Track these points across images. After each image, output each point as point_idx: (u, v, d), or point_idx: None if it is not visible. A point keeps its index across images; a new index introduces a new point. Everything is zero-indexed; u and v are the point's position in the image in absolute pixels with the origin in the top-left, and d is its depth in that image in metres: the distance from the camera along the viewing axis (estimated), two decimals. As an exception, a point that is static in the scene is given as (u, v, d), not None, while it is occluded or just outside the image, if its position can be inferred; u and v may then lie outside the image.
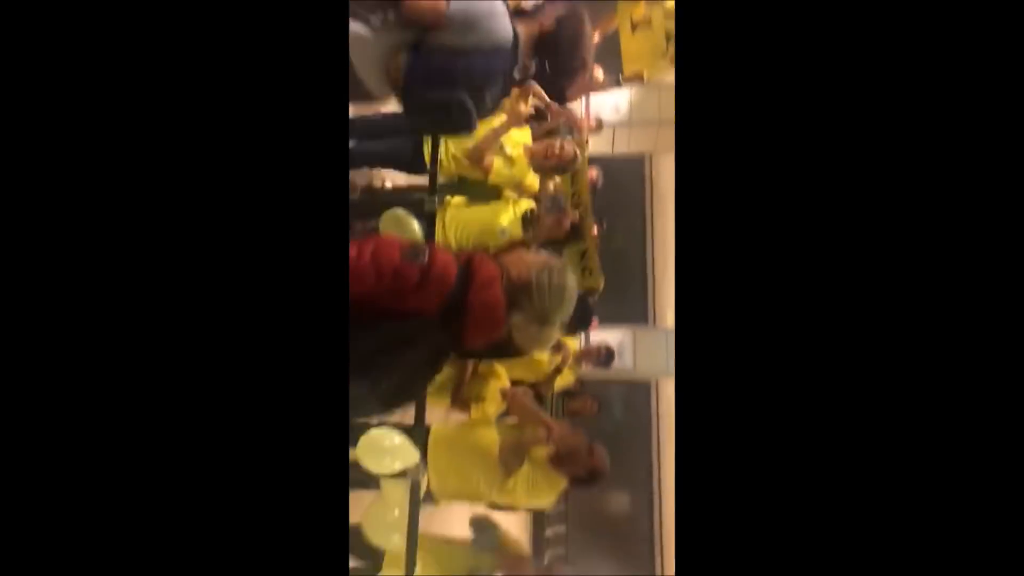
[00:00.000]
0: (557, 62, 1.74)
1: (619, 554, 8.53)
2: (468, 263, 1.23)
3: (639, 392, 9.03)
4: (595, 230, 2.98)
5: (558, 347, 2.87)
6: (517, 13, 2.10)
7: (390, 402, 1.26)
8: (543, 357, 2.69)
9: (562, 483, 1.99)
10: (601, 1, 3.03)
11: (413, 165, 2.43)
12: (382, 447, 1.61)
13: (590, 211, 2.93)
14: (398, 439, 1.67)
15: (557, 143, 2.51)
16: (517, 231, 2.28)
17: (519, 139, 2.56)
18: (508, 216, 2.29)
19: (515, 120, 2.33)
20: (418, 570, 1.62)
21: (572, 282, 1.32)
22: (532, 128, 2.62)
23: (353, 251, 1.15)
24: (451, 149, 2.39)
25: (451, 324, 1.20)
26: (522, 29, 1.71)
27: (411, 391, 1.32)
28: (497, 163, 2.41)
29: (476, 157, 2.34)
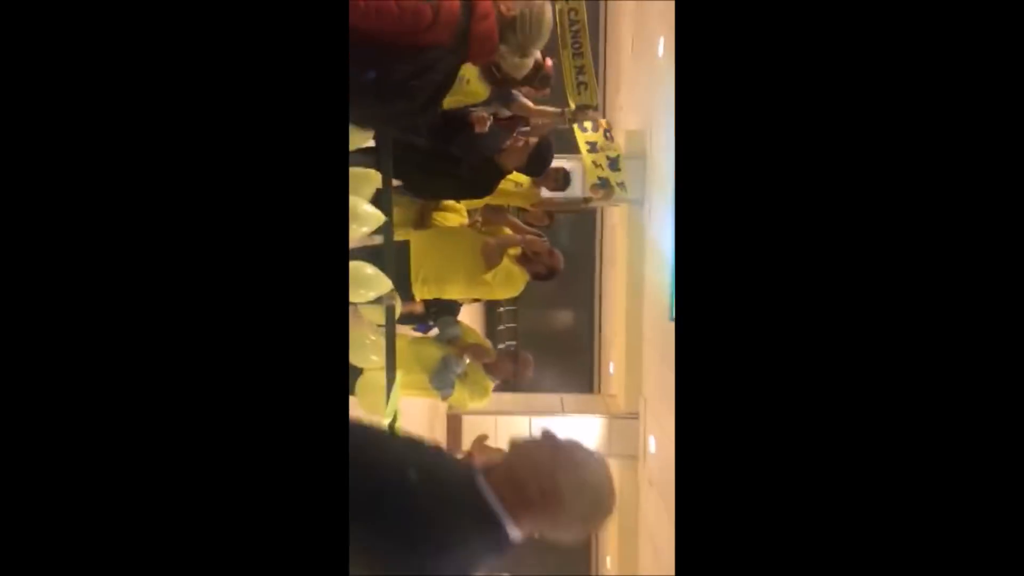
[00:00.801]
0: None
1: (563, 363, 9.56)
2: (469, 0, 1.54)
3: (586, 220, 9.36)
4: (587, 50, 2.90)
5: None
6: None
7: (421, 110, 1.65)
8: (507, 187, 2.77)
9: (526, 277, 2.35)
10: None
11: None
12: (356, 278, 1.73)
13: (586, 29, 2.83)
14: (370, 270, 1.78)
15: None
16: (475, 79, 2.14)
17: None
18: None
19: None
20: (398, 372, 1.90)
21: (548, 19, 1.69)
22: None
23: None
24: None
25: (459, 50, 1.58)
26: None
27: (434, 106, 1.73)
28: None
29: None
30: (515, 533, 1.02)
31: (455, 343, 2.33)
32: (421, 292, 2.27)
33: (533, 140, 2.32)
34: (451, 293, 2.36)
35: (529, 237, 2.29)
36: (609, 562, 8.37)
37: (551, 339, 9.86)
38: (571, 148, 4.04)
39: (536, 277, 2.33)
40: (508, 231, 2.43)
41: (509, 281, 2.28)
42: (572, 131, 3.73)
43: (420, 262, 2.23)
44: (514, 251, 2.32)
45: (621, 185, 3.98)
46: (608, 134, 4.02)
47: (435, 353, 2.27)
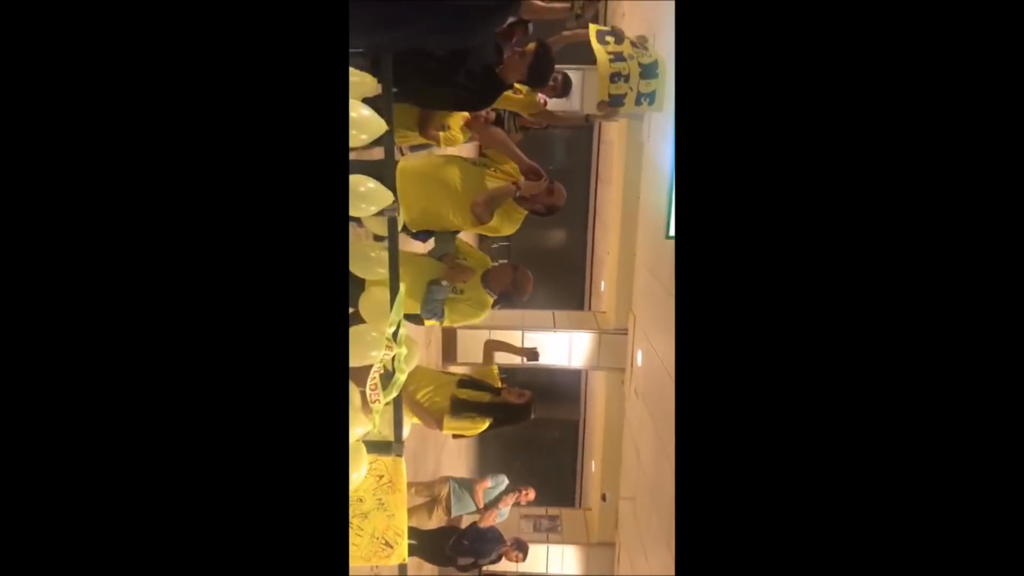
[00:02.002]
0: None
1: (556, 281, 9.67)
2: None
3: (582, 135, 9.13)
4: None
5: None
6: None
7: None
8: (506, 92, 2.67)
9: (523, 215, 2.26)
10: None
11: None
12: (356, 193, 1.71)
13: None
14: (372, 184, 1.76)
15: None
16: None
17: None
18: None
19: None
20: (402, 285, 1.92)
21: None
22: None
23: None
24: None
25: None
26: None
27: None
28: None
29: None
30: None
31: (444, 261, 2.26)
32: (412, 223, 2.22)
33: (530, 47, 2.15)
34: (444, 228, 2.30)
35: (526, 183, 2.16)
36: (593, 466, 8.92)
37: (544, 257, 9.91)
38: (583, 59, 3.79)
39: (535, 214, 2.25)
40: (504, 168, 2.26)
41: (506, 221, 2.21)
42: (590, 45, 3.49)
43: (409, 200, 2.15)
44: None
45: (649, 97, 3.56)
46: (640, 41, 3.70)
47: (425, 273, 2.22)
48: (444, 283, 2.22)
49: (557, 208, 2.23)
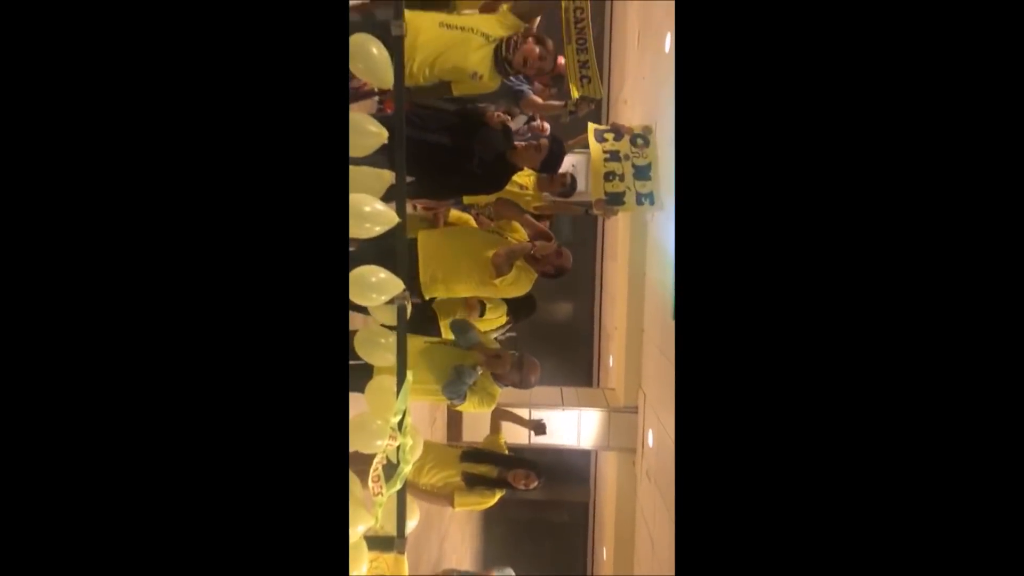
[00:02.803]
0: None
1: (563, 355, 9.60)
2: None
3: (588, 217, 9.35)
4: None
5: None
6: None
7: None
8: (512, 189, 2.79)
9: (534, 276, 2.38)
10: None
11: None
12: (368, 283, 1.74)
13: (590, 26, 2.83)
14: (383, 274, 1.80)
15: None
16: (488, 73, 2.13)
17: None
18: (480, 56, 2.08)
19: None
20: (409, 373, 1.91)
21: None
22: None
23: None
24: None
25: None
26: None
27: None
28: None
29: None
30: None
31: (474, 349, 2.31)
32: (429, 291, 2.29)
33: (544, 141, 2.31)
34: (459, 293, 2.39)
35: (539, 243, 2.30)
36: (605, 553, 8.47)
37: (552, 331, 9.89)
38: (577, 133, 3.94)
39: (544, 275, 2.36)
40: (518, 227, 2.44)
41: (517, 282, 2.31)
42: (587, 137, 3.65)
43: (428, 262, 2.24)
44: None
45: (649, 197, 3.62)
46: (639, 138, 3.82)
47: (449, 359, 2.27)
48: (478, 368, 2.25)
49: (565, 270, 2.35)
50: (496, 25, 2.15)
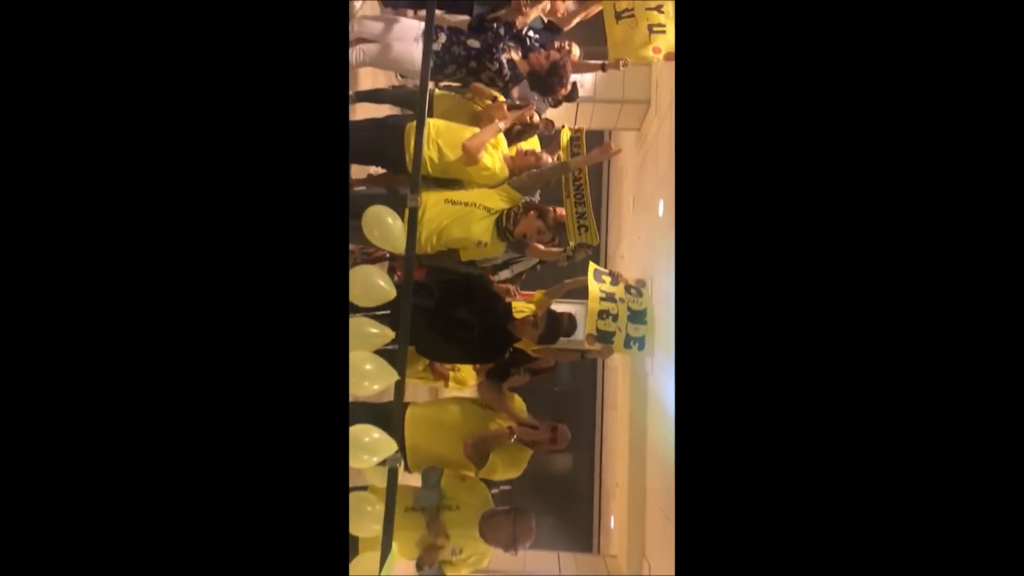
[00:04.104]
0: (545, 89, 2.64)
1: (561, 513, 8.98)
2: None
3: (586, 363, 9.35)
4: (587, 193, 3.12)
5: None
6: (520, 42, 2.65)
7: None
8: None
9: (527, 455, 2.26)
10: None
11: (395, 162, 2.41)
12: (361, 444, 1.69)
13: (588, 182, 3.07)
14: (376, 433, 1.74)
15: (537, 154, 2.59)
16: (492, 241, 2.24)
17: (503, 143, 2.59)
18: (482, 227, 2.23)
19: (510, 121, 2.53)
20: (394, 546, 1.75)
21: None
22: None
23: None
24: (438, 141, 2.39)
25: None
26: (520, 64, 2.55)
27: None
28: (485, 159, 2.42)
29: (471, 153, 2.36)
30: None
31: (426, 514, 2.07)
32: (415, 466, 2.18)
33: (542, 317, 2.33)
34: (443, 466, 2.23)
35: (520, 429, 2.19)
36: None
37: (548, 486, 9.36)
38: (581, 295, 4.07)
39: (540, 452, 2.29)
40: (499, 420, 2.30)
41: (511, 463, 2.23)
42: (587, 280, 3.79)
43: (415, 438, 2.17)
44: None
45: (639, 341, 3.66)
46: (633, 289, 3.95)
47: (415, 533, 2.08)
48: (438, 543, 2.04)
49: (559, 449, 2.25)
50: (497, 199, 2.32)
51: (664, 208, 5.32)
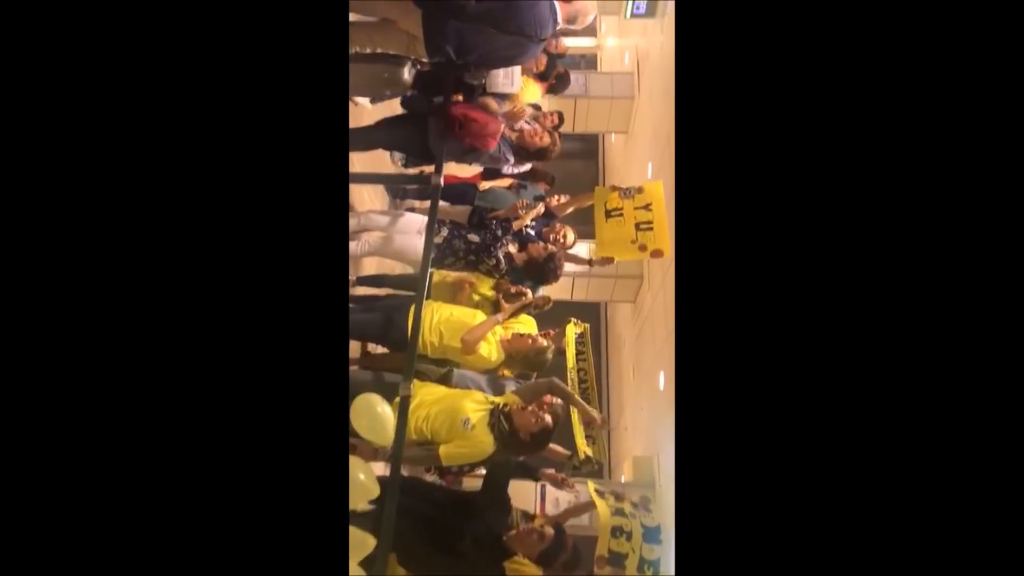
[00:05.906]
0: (540, 278, 2.88)
1: None
2: None
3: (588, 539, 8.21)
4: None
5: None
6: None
7: None
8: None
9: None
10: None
11: (395, 340, 2.46)
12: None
13: (591, 355, 3.00)
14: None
15: (532, 337, 2.63)
16: (478, 422, 2.11)
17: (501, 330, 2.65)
18: (474, 408, 2.15)
19: (508, 314, 2.65)
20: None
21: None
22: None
23: None
24: (440, 328, 2.43)
25: None
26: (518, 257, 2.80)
27: None
28: (482, 348, 2.44)
29: (470, 346, 2.41)
30: None
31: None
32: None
33: (549, 532, 2.13)
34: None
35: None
36: None
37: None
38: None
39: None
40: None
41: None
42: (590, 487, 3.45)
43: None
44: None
45: (654, 565, 3.24)
46: (639, 505, 3.56)
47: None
48: None
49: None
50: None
51: (664, 381, 5.22)
